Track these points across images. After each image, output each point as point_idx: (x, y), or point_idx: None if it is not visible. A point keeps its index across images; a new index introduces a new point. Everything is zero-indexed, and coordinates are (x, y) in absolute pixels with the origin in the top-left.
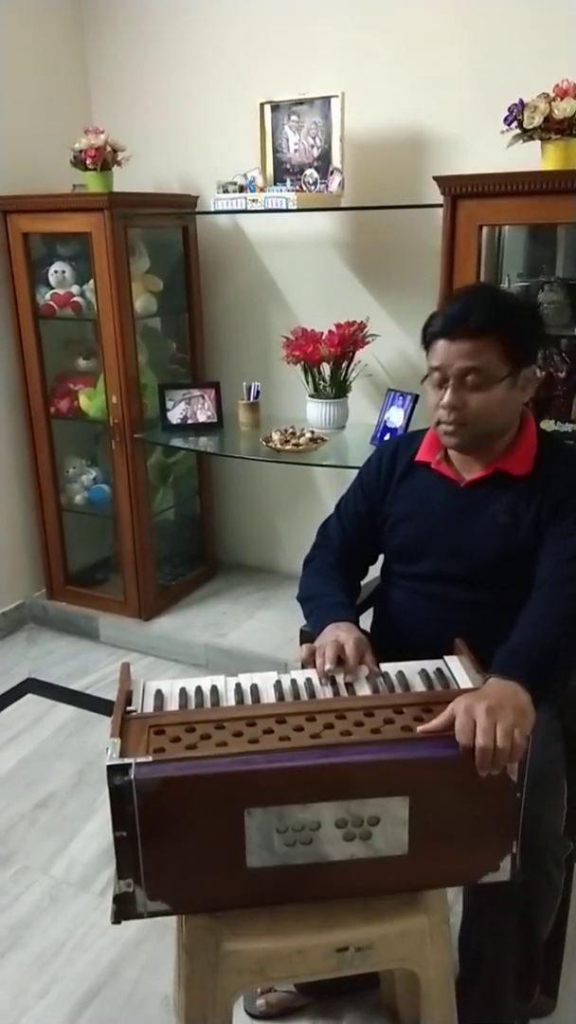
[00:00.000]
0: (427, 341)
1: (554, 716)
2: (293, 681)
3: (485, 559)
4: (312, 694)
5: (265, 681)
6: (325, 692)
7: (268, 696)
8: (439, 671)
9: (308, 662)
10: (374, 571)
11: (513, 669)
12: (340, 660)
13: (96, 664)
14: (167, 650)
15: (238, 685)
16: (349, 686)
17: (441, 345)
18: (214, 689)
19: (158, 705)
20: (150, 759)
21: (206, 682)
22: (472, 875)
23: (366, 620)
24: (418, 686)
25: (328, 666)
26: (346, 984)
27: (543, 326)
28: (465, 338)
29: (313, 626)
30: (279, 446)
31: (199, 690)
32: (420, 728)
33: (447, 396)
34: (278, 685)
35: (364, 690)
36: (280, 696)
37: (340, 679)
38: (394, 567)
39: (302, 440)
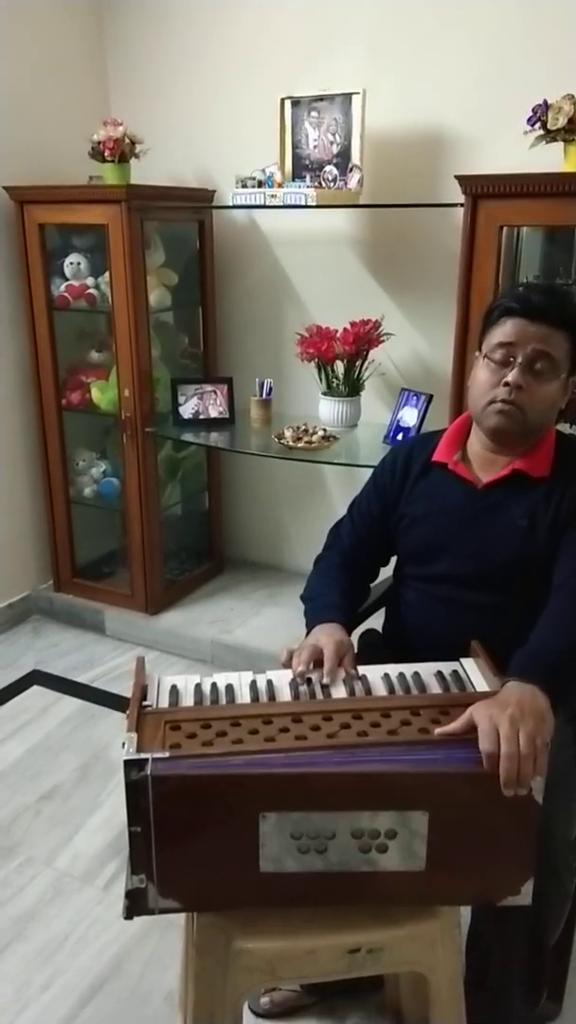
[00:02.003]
0: (496, 317)
1: (566, 720)
2: (269, 682)
3: (502, 562)
4: (297, 696)
5: (280, 679)
6: (285, 693)
7: (284, 694)
8: (455, 673)
9: (286, 663)
10: (385, 572)
11: (531, 673)
12: (318, 663)
13: (102, 657)
14: (173, 645)
15: (253, 682)
16: (325, 688)
17: (518, 323)
18: (229, 686)
19: (173, 701)
20: (167, 755)
21: (221, 679)
22: (492, 897)
23: (377, 620)
24: (434, 688)
25: (300, 668)
26: (351, 984)
27: None
28: (545, 323)
29: (306, 626)
30: (291, 443)
31: (214, 686)
32: (438, 731)
33: (514, 374)
34: (293, 684)
35: (340, 692)
36: (296, 695)
37: (315, 679)
38: (408, 568)
39: (314, 438)
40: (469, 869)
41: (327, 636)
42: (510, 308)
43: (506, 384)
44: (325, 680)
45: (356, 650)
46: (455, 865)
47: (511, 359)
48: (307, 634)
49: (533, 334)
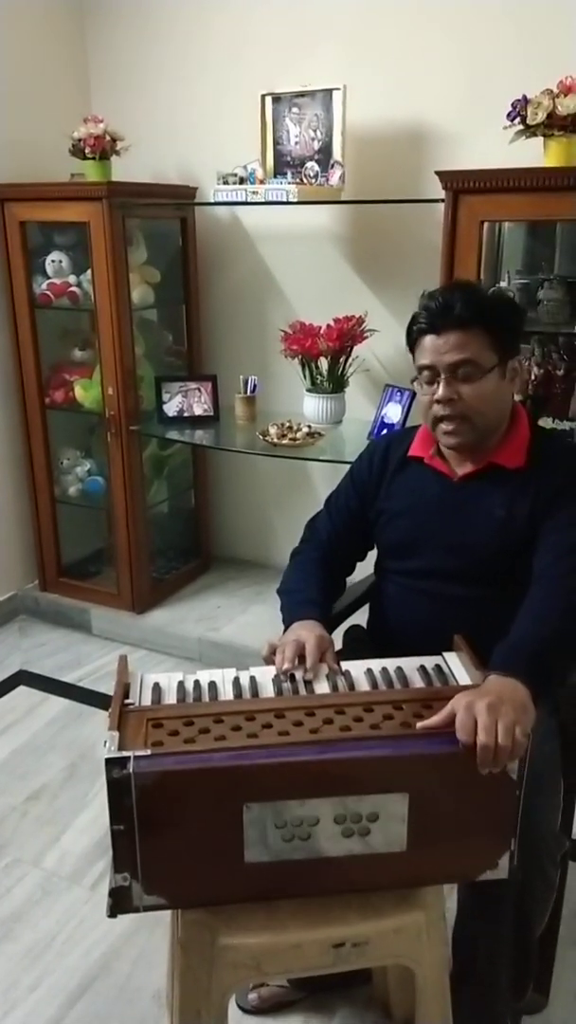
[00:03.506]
0: (413, 340)
1: (550, 713)
2: (252, 678)
3: (481, 554)
4: (296, 692)
5: (264, 675)
6: (268, 690)
7: (267, 691)
8: (438, 667)
9: (269, 659)
10: (367, 567)
11: (513, 665)
12: (301, 658)
13: (88, 657)
14: (160, 643)
15: (236, 679)
16: (308, 684)
17: (429, 341)
18: (212, 683)
19: (156, 698)
20: (149, 752)
21: (204, 676)
22: (471, 873)
23: (362, 616)
24: (417, 682)
25: (286, 665)
26: (339, 979)
27: (523, 317)
28: (452, 330)
29: (284, 622)
30: (276, 440)
31: (197, 684)
32: (420, 724)
33: (441, 390)
34: (276, 680)
35: (323, 688)
36: (279, 691)
37: (299, 676)
38: (389, 563)
39: (299, 435)
40: (448, 847)
41: (308, 631)
42: (420, 327)
43: (438, 401)
44: (307, 676)
45: (341, 646)
46: (435, 844)
47: (436, 376)
48: (285, 629)
49: (444, 346)
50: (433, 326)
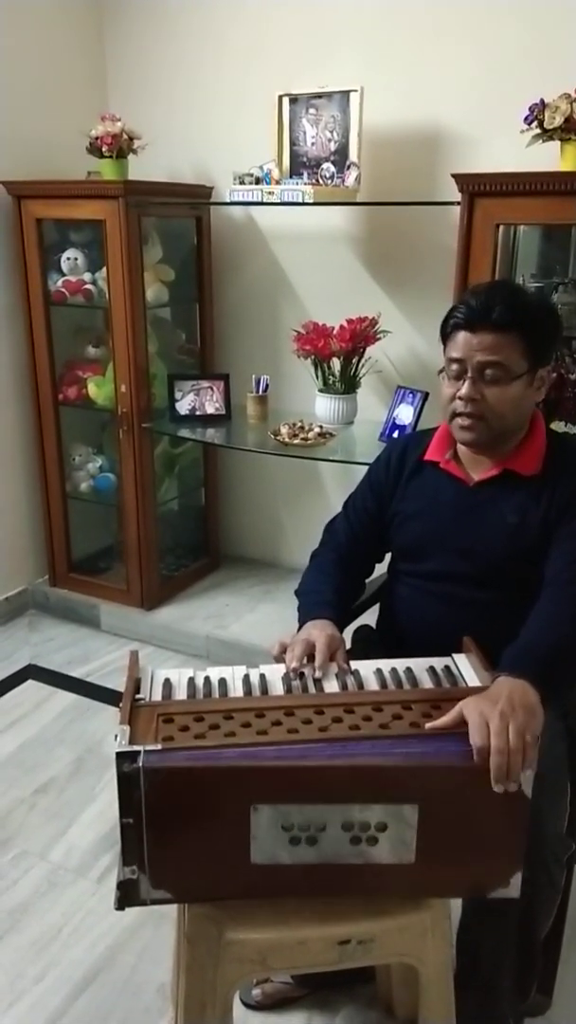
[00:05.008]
0: (447, 333)
1: (558, 717)
2: (262, 676)
3: (493, 559)
4: (298, 690)
5: (273, 673)
6: (278, 687)
7: (276, 688)
8: (447, 668)
9: (279, 658)
10: (380, 568)
11: (522, 668)
12: (310, 658)
13: (97, 652)
14: (168, 640)
15: (246, 676)
16: (318, 683)
17: (462, 337)
18: (222, 680)
19: (166, 694)
20: (159, 747)
21: (214, 672)
22: (481, 889)
23: (371, 616)
24: (426, 683)
25: (295, 664)
26: (342, 977)
27: (561, 327)
28: (487, 331)
29: (299, 622)
30: (287, 440)
31: (207, 680)
32: (428, 725)
33: (465, 388)
34: (286, 678)
35: (333, 687)
36: (288, 689)
37: (308, 674)
38: (401, 565)
39: (310, 435)
40: (458, 862)
41: (319, 631)
42: (456, 321)
43: (460, 398)
44: (317, 674)
45: (349, 646)
46: (444, 858)
47: (463, 374)
48: (299, 629)
49: (477, 345)
50: (470, 323)
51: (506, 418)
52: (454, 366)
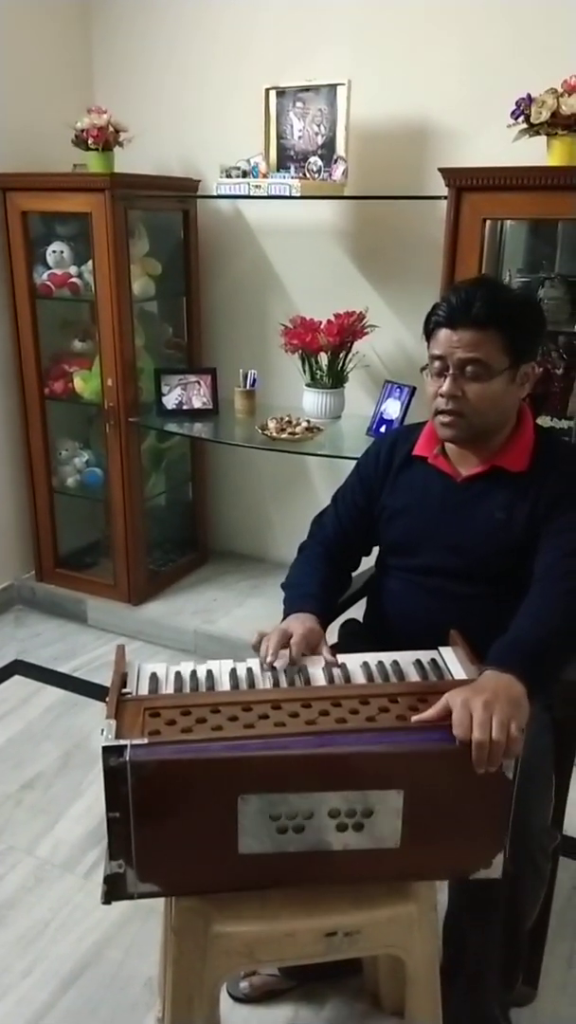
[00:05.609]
0: (429, 330)
1: (544, 708)
2: (249, 669)
3: (481, 554)
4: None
5: (260, 667)
6: (265, 681)
7: (263, 682)
8: (434, 662)
9: (257, 646)
10: (367, 561)
11: (509, 662)
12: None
13: (84, 647)
14: (156, 635)
15: (233, 670)
16: (304, 675)
17: (443, 334)
18: (209, 673)
19: (153, 688)
20: (145, 741)
21: (201, 667)
22: (464, 871)
23: (358, 610)
24: (413, 676)
25: (270, 658)
26: (329, 969)
27: (544, 323)
28: (468, 328)
29: (283, 614)
30: (274, 434)
31: (194, 674)
32: (414, 718)
33: (446, 385)
34: (261, 668)
35: (320, 680)
36: (275, 682)
37: (279, 667)
38: (390, 559)
39: (298, 429)
40: (442, 844)
41: (299, 623)
42: (437, 318)
43: (441, 395)
44: (278, 663)
45: (337, 639)
46: (429, 841)
47: (444, 371)
48: (282, 621)
49: (457, 342)
50: (450, 320)
51: (487, 415)
52: (436, 363)
